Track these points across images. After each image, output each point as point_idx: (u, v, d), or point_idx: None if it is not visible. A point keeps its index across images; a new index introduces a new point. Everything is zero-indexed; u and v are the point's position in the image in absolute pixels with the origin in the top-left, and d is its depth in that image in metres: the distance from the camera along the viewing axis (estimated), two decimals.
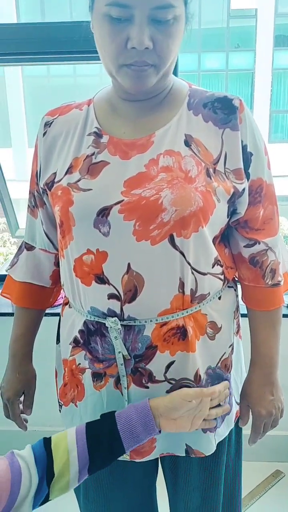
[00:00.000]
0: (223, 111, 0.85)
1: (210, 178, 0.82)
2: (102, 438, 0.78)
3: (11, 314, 1.73)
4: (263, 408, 0.96)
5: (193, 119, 0.86)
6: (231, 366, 0.95)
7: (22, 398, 1.09)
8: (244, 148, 0.85)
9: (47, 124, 0.93)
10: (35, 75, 10.53)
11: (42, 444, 0.76)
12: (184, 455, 0.94)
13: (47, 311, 1.12)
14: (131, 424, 0.79)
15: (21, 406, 1.09)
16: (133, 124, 0.87)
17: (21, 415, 1.09)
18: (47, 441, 0.77)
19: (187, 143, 0.83)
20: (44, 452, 0.74)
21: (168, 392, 0.87)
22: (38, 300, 1.07)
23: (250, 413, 0.99)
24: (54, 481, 0.73)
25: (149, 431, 0.81)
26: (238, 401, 1.00)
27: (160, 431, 0.82)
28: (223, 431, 0.96)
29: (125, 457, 0.93)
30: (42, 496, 0.73)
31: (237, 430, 1.03)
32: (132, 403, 0.85)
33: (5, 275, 1.07)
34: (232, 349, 0.95)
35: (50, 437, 0.78)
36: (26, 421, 1.10)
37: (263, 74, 10.79)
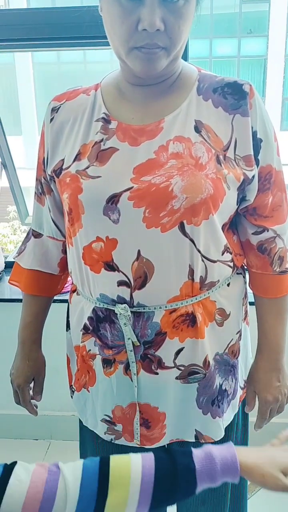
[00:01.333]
0: (233, 96, 0.83)
1: (221, 165, 0.81)
2: (173, 485, 0.63)
3: (20, 300, 1.76)
4: (270, 394, 0.97)
5: (203, 105, 0.84)
6: (238, 352, 0.95)
7: (32, 385, 1.10)
8: (254, 134, 0.84)
9: (54, 110, 0.93)
10: (45, 62, 10.46)
11: (97, 471, 0.61)
12: (193, 440, 0.95)
13: (55, 297, 1.13)
14: (212, 471, 0.64)
15: (31, 392, 1.11)
16: (142, 109, 0.86)
17: (31, 401, 1.10)
18: (103, 468, 0.61)
19: (197, 129, 0.83)
20: (97, 479, 0.60)
21: (177, 378, 0.88)
22: (46, 287, 1.07)
23: (257, 399, 1.00)
24: None
25: (230, 478, 0.66)
26: (243, 386, 1.01)
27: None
28: (229, 415, 0.97)
29: (136, 443, 0.95)
30: None
31: (244, 415, 1.04)
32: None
33: (13, 262, 1.07)
34: (240, 335, 0.95)
35: (108, 465, 0.62)
36: (36, 407, 1.12)
37: (276, 61, 10.60)
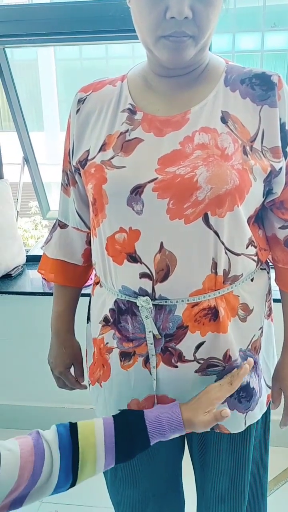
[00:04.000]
0: (261, 87, 0.82)
1: (247, 156, 0.80)
2: (129, 432, 0.78)
3: (41, 294, 1.78)
4: None
5: (230, 96, 0.83)
6: (260, 349, 0.94)
7: (71, 370, 1.14)
8: (282, 126, 0.82)
9: (81, 101, 0.93)
10: (67, 58, 10.51)
11: (69, 432, 0.75)
12: (209, 429, 0.94)
13: None
14: (158, 420, 0.80)
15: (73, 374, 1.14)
16: (168, 100, 0.85)
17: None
18: (73, 429, 0.76)
19: (223, 120, 0.81)
20: (70, 441, 0.73)
21: (196, 371, 0.87)
22: (72, 278, 1.08)
23: (282, 396, 0.99)
24: (79, 472, 0.74)
25: (177, 433, 0.81)
26: (270, 384, 0.99)
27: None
28: (257, 414, 0.95)
29: None
30: (66, 482, 0.73)
31: (264, 413, 1.02)
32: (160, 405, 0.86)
33: (35, 256, 1.09)
34: (262, 331, 0.94)
35: (76, 424, 0.77)
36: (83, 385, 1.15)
37: None
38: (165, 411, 0.81)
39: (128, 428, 0.78)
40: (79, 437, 0.74)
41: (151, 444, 0.79)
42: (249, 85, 0.83)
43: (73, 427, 0.76)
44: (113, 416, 0.81)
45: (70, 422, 0.76)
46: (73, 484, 0.74)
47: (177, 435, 0.81)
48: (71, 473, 0.73)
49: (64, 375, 1.11)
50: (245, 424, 0.94)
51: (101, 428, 0.76)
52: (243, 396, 0.91)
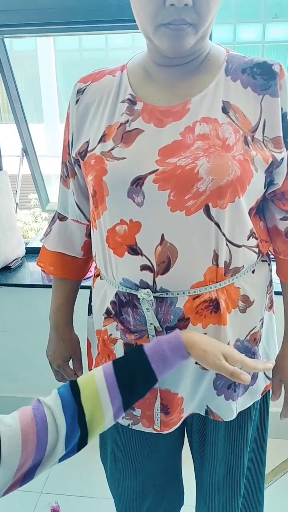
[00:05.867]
0: (263, 76, 0.81)
1: (248, 147, 0.79)
2: (132, 371, 0.73)
3: (40, 286, 1.77)
4: None
5: (231, 85, 0.82)
6: (260, 340, 0.94)
7: (70, 363, 1.13)
8: (283, 115, 0.81)
9: (80, 92, 0.92)
10: (67, 49, 10.43)
11: (70, 391, 0.71)
12: (204, 414, 0.96)
13: None
14: (157, 345, 0.75)
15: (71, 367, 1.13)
16: (169, 90, 0.84)
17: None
18: (74, 387, 0.72)
19: (224, 110, 0.80)
20: (73, 400, 0.70)
21: (197, 363, 0.87)
22: (71, 270, 1.08)
23: (283, 387, 0.99)
24: (88, 425, 0.69)
25: (179, 355, 0.75)
26: (270, 376, 0.99)
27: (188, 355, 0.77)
28: (246, 401, 0.96)
29: (155, 428, 0.95)
30: (75, 442, 0.69)
31: (262, 404, 1.03)
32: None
33: (35, 248, 1.08)
34: (262, 323, 0.94)
35: (76, 382, 0.73)
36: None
37: None
38: (163, 336, 0.78)
39: (127, 362, 0.76)
40: (80, 389, 0.71)
41: (156, 373, 0.73)
42: (250, 75, 0.82)
43: (73, 383, 0.73)
44: (112, 361, 0.77)
45: (70, 381, 0.74)
46: (84, 441, 0.70)
47: (180, 359, 0.75)
48: (79, 428, 0.69)
49: (63, 368, 1.11)
50: (236, 410, 0.94)
51: (101, 371, 0.73)
52: (237, 385, 0.92)
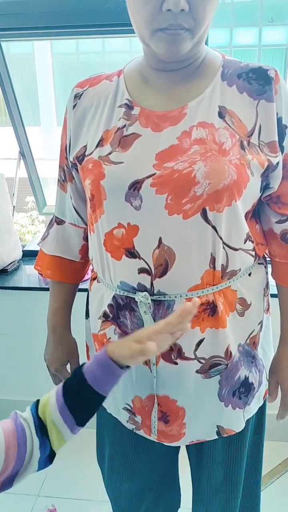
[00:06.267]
0: (258, 81, 0.82)
1: (244, 151, 0.80)
2: (77, 392, 0.75)
3: (37, 289, 1.77)
4: None
5: (227, 90, 0.83)
6: (259, 343, 0.94)
7: (68, 367, 1.13)
8: (279, 120, 0.82)
9: (77, 96, 0.92)
10: (64, 53, 10.44)
11: (35, 409, 0.76)
12: (216, 437, 0.94)
13: None
14: (91, 365, 0.75)
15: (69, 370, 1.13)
16: (165, 95, 0.85)
17: None
18: (36, 406, 0.77)
19: (221, 115, 0.81)
20: (37, 415, 0.75)
21: (198, 372, 0.87)
22: (69, 274, 1.08)
23: (279, 389, 0.99)
24: (52, 442, 0.75)
25: (108, 371, 0.73)
26: (268, 378, 1.00)
27: (128, 367, 0.74)
28: (253, 408, 0.96)
29: (153, 437, 0.95)
30: (44, 453, 0.74)
31: (259, 407, 1.03)
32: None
33: (32, 251, 1.08)
34: (261, 326, 0.94)
35: (39, 401, 0.77)
36: None
37: None
38: (97, 353, 0.77)
39: (72, 383, 0.77)
40: (39, 412, 0.76)
41: (98, 392, 0.74)
42: (246, 80, 0.83)
43: (36, 404, 0.78)
44: (63, 382, 0.80)
45: (37, 400, 0.78)
46: (53, 454, 0.75)
47: (112, 376, 0.74)
48: (47, 444, 0.74)
49: (60, 372, 1.11)
50: (244, 418, 0.94)
51: (54, 390, 0.77)
52: (242, 392, 0.91)
